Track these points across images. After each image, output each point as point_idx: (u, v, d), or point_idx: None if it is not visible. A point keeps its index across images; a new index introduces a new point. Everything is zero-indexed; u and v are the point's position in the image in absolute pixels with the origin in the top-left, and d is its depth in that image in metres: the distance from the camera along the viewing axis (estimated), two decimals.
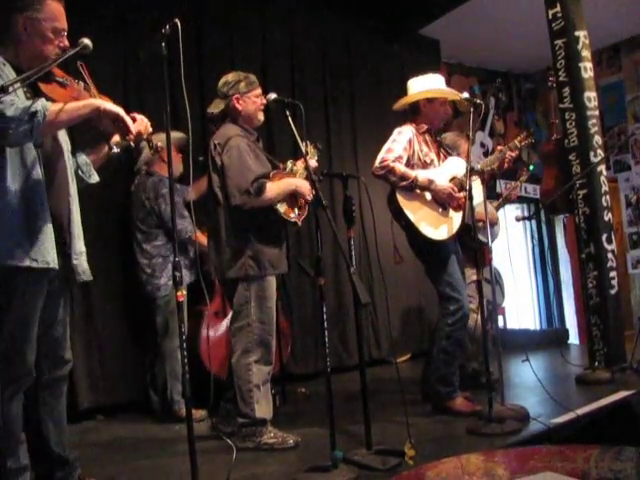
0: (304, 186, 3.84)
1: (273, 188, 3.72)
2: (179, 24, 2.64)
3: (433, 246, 4.16)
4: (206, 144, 4.16)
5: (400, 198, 4.14)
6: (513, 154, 4.50)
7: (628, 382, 4.75)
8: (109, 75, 4.79)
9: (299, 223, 3.90)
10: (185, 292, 2.76)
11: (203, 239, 4.51)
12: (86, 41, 2.58)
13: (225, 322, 4.98)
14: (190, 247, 4.71)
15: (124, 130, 2.72)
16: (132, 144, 2.83)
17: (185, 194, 4.72)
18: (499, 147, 4.63)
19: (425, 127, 4.35)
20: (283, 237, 3.91)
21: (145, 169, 4.77)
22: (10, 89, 2.36)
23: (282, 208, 3.77)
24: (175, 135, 4.28)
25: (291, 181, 3.84)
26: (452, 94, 4.36)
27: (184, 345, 2.67)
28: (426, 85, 4.35)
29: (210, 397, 2.91)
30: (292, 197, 3.85)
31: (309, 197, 3.83)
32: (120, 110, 2.69)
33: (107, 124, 2.75)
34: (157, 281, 4.65)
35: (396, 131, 4.32)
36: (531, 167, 4.68)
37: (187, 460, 2.58)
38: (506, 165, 4.50)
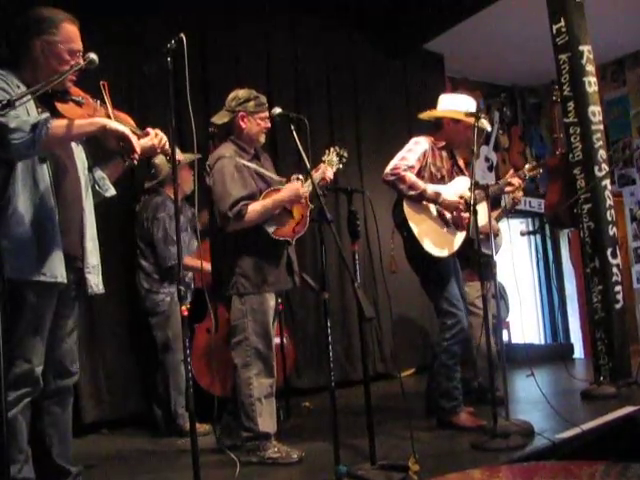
0: (292, 194, 3.78)
1: (256, 209, 3.69)
2: (184, 38, 2.67)
3: (433, 261, 4.15)
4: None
5: (407, 209, 4.14)
6: (519, 183, 4.55)
7: (634, 397, 4.72)
8: (114, 90, 4.78)
9: (292, 242, 3.88)
10: (188, 306, 2.77)
11: (192, 262, 4.53)
12: (92, 55, 2.63)
13: (217, 338, 5.01)
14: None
15: (129, 150, 2.74)
16: (135, 162, 2.83)
17: (189, 214, 4.73)
18: (511, 172, 4.66)
19: (443, 143, 4.36)
20: (280, 254, 3.85)
21: (156, 187, 4.78)
22: (17, 103, 2.40)
23: (271, 229, 3.75)
24: (190, 156, 4.31)
25: (277, 197, 3.77)
26: (471, 116, 4.17)
27: (188, 359, 2.69)
28: (457, 105, 4.35)
29: (213, 412, 2.91)
30: (285, 212, 3.82)
31: (302, 200, 3.81)
32: (125, 129, 2.72)
33: (113, 143, 2.77)
34: (155, 296, 4.67)
35: (413, 140, 4.33)
36: (526, 175, 4.70)
37: (191, 474, 2.58)
38: (513, 195, 4.59)
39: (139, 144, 2.76)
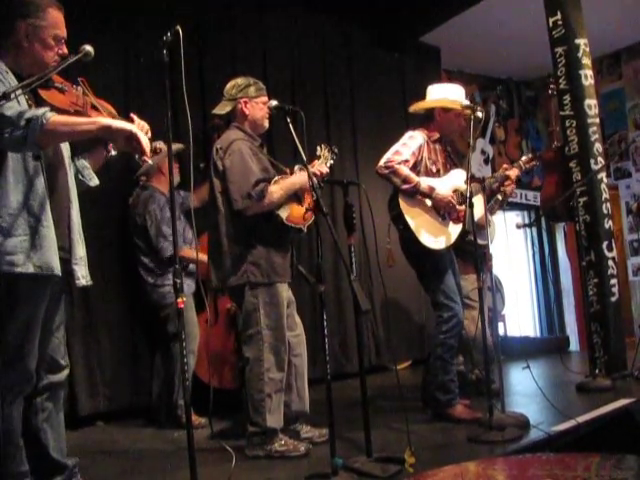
0: (305, 179, 3.76)
1: (276, 190, 3.65)
2: (180, 31, 2.65)
3: (429, 254, 4.15)
4: (207, 151, 4.14)
5: (402, 202, 4.14)
6: (518, 173, 4.56)
7: (629, 390, 4.75)
8: (109, 82, 4.78)
9: (304, 229, 3.83)
10: (185, 299, 2.77)
11: (188, 253, 4.52)
12: (88, 48, 2.59)
13: (215, 330, 5.00)
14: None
15: (139, 150, 2.65)
16: (150, 162, 2.78)
17: (186, 201, 4.74)
18: (505, 165, 4.66)
19: (437, 135, 4.35)
20: (288, 245, 3.83)
21: (143, 181, 4.77)
22: (12, 95, 2.38)
23: (284, 214, 3.71)
24: (177, 145, 4.27)
25: (293, 180, 3.77)
26: (466, 109, 4.21)
27: (184, 352, 2.68)
28: (445, 94, 4.34)
29: (210, 404, 2.91)
30: (296, 198, 3.79)
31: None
32: (133, 127, 2.63)
33: (120, 143, 2.70)
34: (161, 290, 4.65)
35: (408, 134, 4.31)
36: (523, 167, 4.73)
37: (187, 467, 2.58)
38: (509, 186, 4.59)
39: (147, 142, 2.67)
